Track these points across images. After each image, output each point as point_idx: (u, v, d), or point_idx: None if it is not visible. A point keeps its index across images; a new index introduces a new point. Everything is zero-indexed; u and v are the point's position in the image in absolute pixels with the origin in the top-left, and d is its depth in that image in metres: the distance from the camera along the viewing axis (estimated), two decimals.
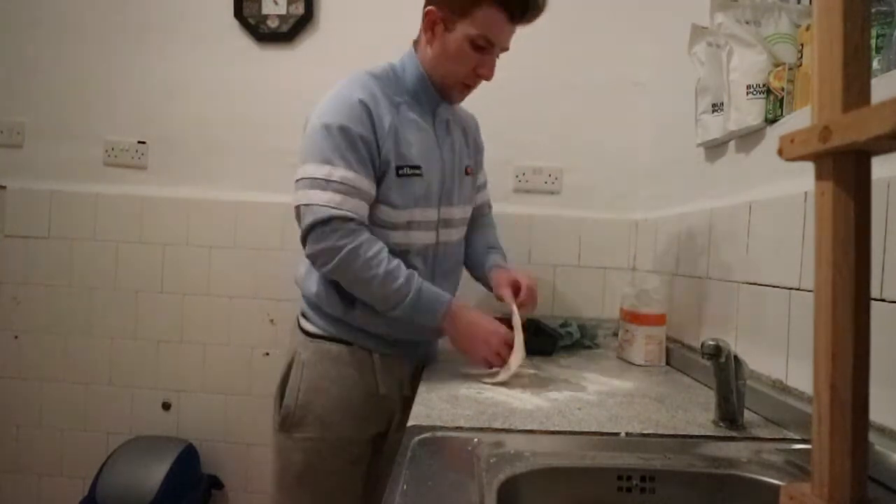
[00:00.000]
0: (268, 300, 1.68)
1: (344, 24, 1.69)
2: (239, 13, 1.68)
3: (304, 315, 1.15)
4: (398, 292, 1.01)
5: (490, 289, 1.25)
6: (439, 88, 1.12)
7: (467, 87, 1.13)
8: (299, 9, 1.67)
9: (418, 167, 1.08)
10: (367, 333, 1.11)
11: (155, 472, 1.48)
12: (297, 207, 1.03)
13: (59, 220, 1.72)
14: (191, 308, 1.71)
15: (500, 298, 1.17)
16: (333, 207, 0.99)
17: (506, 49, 1.10)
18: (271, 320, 1.69)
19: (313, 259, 1.04)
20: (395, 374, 1.14)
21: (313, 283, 1.11)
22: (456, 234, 1.21)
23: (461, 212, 1.21)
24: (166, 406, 1.71)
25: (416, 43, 1.14)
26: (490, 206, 1.41)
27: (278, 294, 1.66)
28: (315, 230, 1.00)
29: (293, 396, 1.09)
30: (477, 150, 1.31)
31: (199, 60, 1.71)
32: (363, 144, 1.02)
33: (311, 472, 1.08)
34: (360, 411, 1.10)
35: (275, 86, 1.69)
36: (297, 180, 1.04)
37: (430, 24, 1.07)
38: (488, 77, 1.10)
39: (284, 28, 1.68)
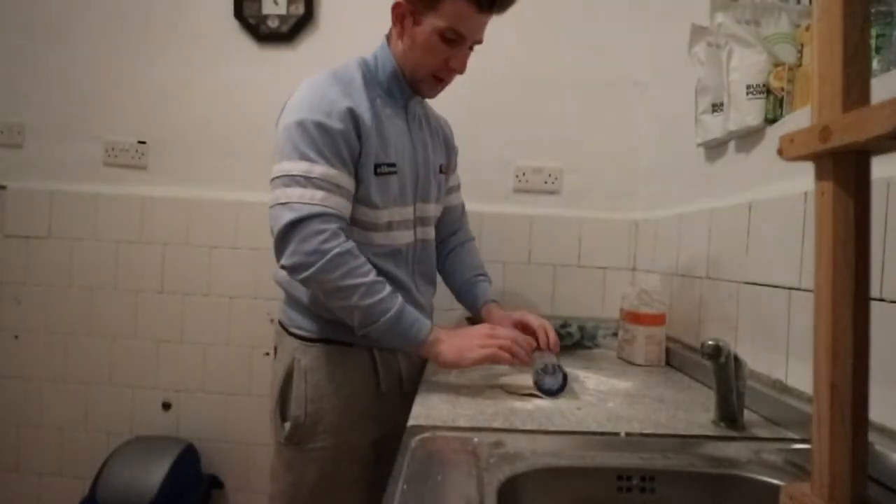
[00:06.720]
0: (268, 300, 1.68)
1: (344, 24, 1.69)
2: (239, 13, 1.68)
3: (293, 318, 1.10)
4: (382, 303, 0.94)
5: (478, 319, 1.23)
6: (410, 82, 1.08)
7: (439, 81, 1.08)
8: (299, 9, 1.67)
9: (394, 164, 1.05)
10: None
11: (155, 473, 1.48)
12: (273, 207, 0.96)
13: (59, 220, 1.72)
14: (191, 308, 1.71)
15: None
16: (316, 204, 0.93)
17: (479, 41, 1.05)
18: (271, 320, 1.69)
19: (293, 263, 0.93)
20: (393, 371, 1.12)
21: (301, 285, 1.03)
22: (431, 232, 1.20)
23: (435, 209, 1.21)
24: (166, 406, 1.72)
25: (388, 37, 1.10)
26: (464, 207, 1.39)
27: (278, 294, 1.66)
28: (296, 229, 0.92)
29: (301, 407, 1.04)
30: (449, 151, 1.29)
31: (198, 60, 1.71)
32: (343, 141, 0.97)
33: (326, 483, 1.04)
34: (368, 412, 1.08)
35: (275, 86, 1.68)
36: (273, 179, 0.97)
37: (398, 18, 1.04)
38: (460, 70, 1.06)
39: (284, 28, 1.68)
